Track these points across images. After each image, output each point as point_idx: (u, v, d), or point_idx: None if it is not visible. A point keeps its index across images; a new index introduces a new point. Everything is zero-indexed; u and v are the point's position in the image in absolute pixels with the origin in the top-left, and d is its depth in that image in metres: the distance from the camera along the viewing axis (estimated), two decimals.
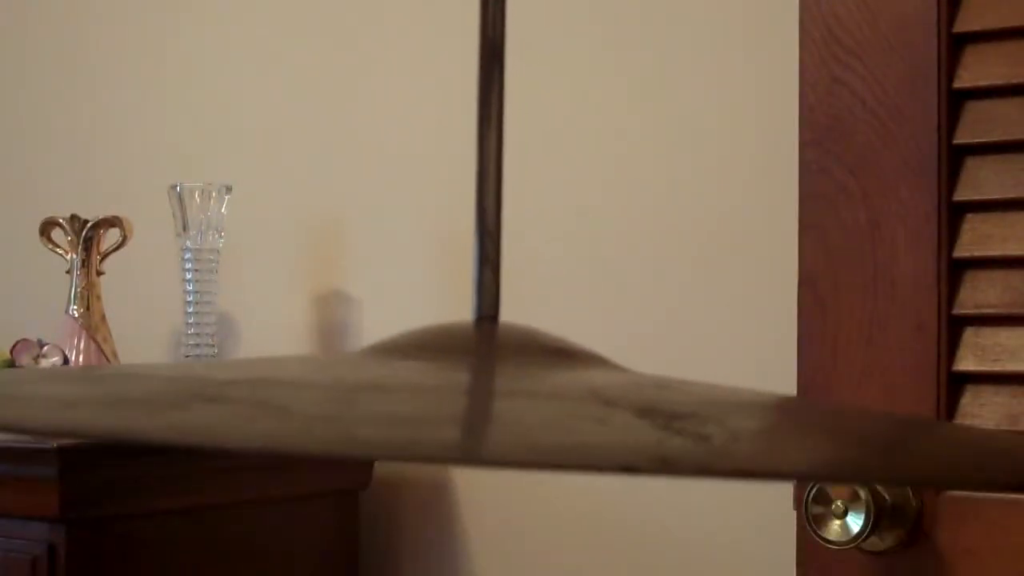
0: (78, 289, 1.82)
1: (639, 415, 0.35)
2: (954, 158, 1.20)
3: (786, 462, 0.34)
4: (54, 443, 1.52)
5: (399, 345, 0.43)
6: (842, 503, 1.17)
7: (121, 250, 1.83)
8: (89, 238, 1.82)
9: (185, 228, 1.77)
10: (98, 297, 1.83)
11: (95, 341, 1.80)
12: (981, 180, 1.18)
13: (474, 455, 0.32)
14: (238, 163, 1.94)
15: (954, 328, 1.19)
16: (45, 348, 1.64)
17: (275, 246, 1.91)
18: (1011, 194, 1.17)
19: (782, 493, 1.24)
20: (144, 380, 0.39)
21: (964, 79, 1.19)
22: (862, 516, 1.16)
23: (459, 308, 1.77)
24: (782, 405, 0.44)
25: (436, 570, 1.73)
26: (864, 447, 0.37)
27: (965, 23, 1.19)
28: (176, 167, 1.96)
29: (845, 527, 1.17)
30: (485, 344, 0.44)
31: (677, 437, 0.34)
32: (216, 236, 1.78)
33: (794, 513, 1.21)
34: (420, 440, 0.32)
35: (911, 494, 1.18)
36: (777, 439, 0.37)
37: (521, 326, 0.45)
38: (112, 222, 1.83)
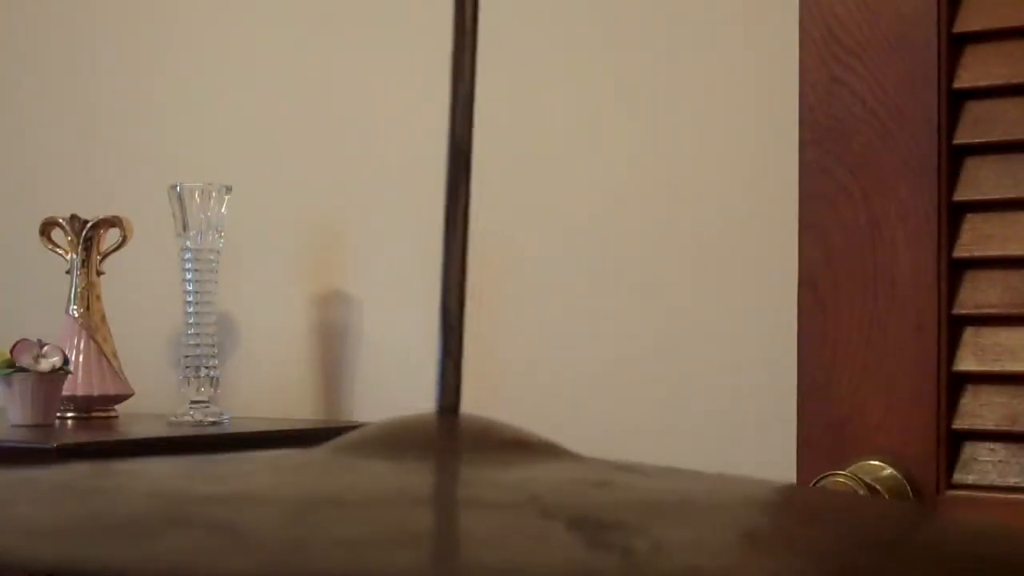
0: (78, 289, 1.82)
1: (570, 527, 0.35)
2: (954, 158, 1.20)
3: None
4: (53, 443, 1.52)
5: (363, 442, 0.44)
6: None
7: (121, 250, 1.83)
8: (89, 238, 1.82)
9: (185, 228, 1.77)
10: (98, 297, 1.83)
11: (95, 341, 1.80)
12: (981, 180, 1.18)
13: None
14: (238, 163, 1.94)
15: (954, 328, 1.19)
16: (45, 348, 1.64)
17: (275, 246, 1.91)
18: (1011, 194, 1.17)
19: None
20: (127, 497, 0.39)
21: (964, 79, 1.19)
22: None
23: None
24: (747, 502, 0.42)
25: None
26: (823, 560, 0.36)
27: (965, 23, 1.19)
28: (176, 167, 1.96)
29: None
30: (444, 440, 0.45)
31: (601, 552, 0.33)
32: (216, 236, 1.78)
33: None
34: (371, 567, 0.32)
35: (911, 494, 1.18)
36: (713, 550, 0.35)
37: (479, 419, 0.46)
38: (112, 222, 1.83)
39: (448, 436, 0.45)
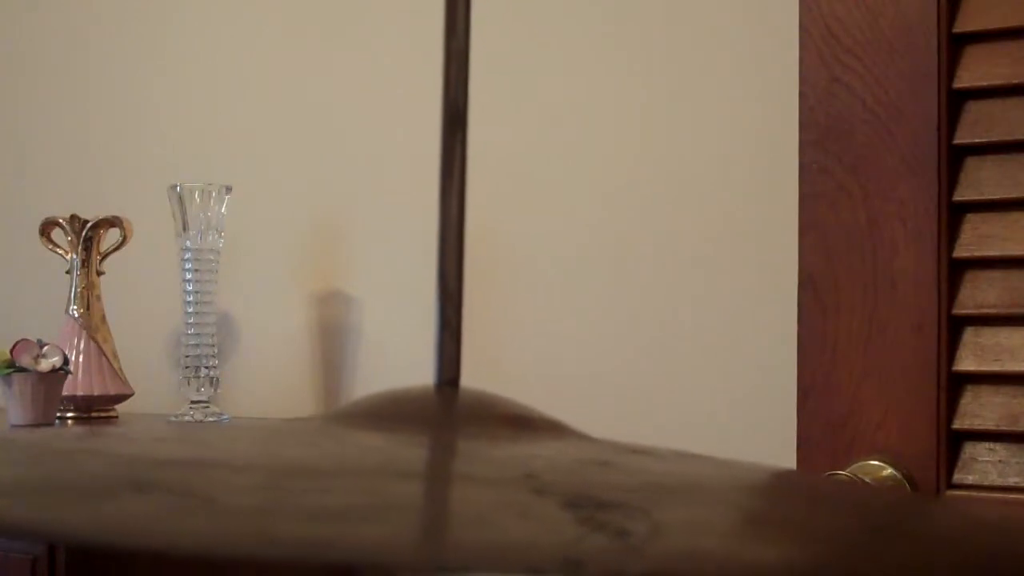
0: (78, 289, 1.82)
1: (565, 506, 0.34)
2: (954, 158, 1.20)
3: (713, 561, 0.32)
4: None
5: (359, 412, 0.43)
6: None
7: (121, 250, 1.83)
8: (89, 238, 1.82)
9: (185, 228, 1.77)
10: (98, 297, 1.83)
11: (95, 341, 1.80)
12: (981, 180, 1.18)
13: (392, 557, 0.30)
14: (238, 163, 1.94)
15: (954, 328, 1.19)
16: (45, 348, 1.64)
17: (275, 246, 1.91)
18: (1011, 194, 1.17)
19: None
20: (89, 459, 0.38)
21: (964, 79, 1.19)
22: None
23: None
24: (752, 487, 0.41)
25: None
26: (828, 545, 0.35)
27: (965, 23, 1.19)
28: (176, 167, 1.96)
29: None
30: (442, 414, 0.43)
31: (597, 533, 0.32)
32: (216, 236, 1.78)
33: None
34: (337, 540, 0.31)
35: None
36: (715, 533, 0.34)
37: (480, 393, 0.44)
38: (112, 222, 1.83)
39: (446, 409, 0.44)
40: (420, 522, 0.33)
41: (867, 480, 1.17)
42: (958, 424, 1.18)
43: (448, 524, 0.33)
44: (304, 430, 0.42)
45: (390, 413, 0.43)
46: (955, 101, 1.20)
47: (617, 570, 0.30)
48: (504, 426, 0.43)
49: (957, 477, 1.18)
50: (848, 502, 0.41)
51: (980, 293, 1.18)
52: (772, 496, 0.41)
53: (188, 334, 1.79)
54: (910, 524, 0.39)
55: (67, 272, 1.83)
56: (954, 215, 1.19)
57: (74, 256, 1.82)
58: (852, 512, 0.39)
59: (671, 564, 0.31)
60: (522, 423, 0.43)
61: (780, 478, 0.44)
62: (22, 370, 1.61)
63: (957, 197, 1.19)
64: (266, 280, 1.92)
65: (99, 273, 1.83)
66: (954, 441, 1.18)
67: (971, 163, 1.19)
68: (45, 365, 1.62)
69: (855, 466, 1.20)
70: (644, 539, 0.32)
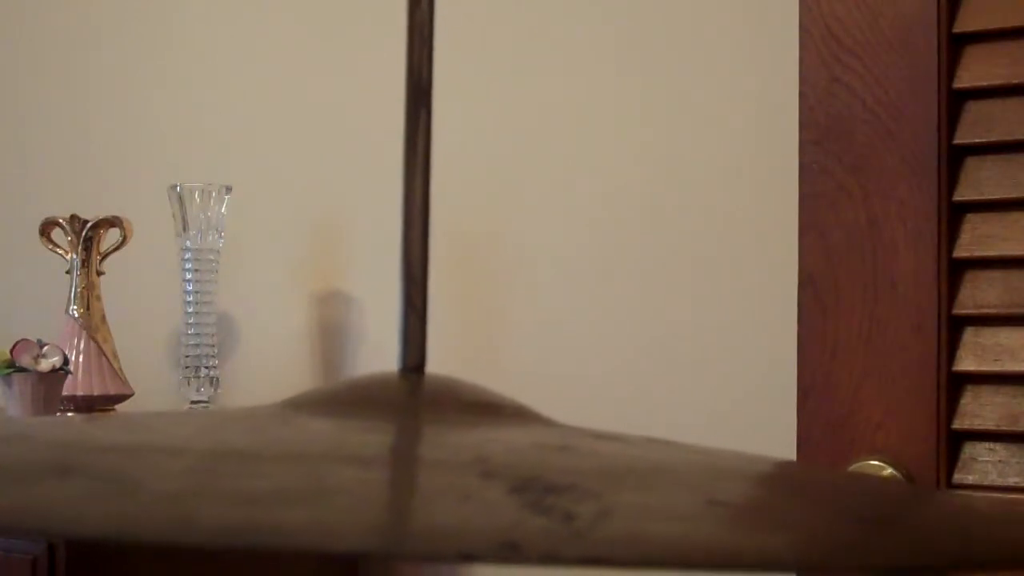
0: (78, 289, 1.82)
1: (512, 490, 0.32)
2: (954, 158, 1.20)
3: (657, 546, 0.30)
4: None
5: (319, 399, 0.42)
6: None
7: (121, 250, 1.83)
8: (89, 238, 1.82)
9: (185, 228, 1.77)
10: (98, 297, 1.83)
11: (95, 341, 1.80)
12: (981, 180, 1.18)
13: (315, 539, 0.29)
14: (238, 163, 1.94)
15: (954, 328, 1.19)
16: (45, 348, 1.64)
17: (275, 246, 1.91)
18: (1011, 194, 1.17)
19: None
20: (20, 444, 0.37)
21: (964, 79, 1.19)
22: None
23: (458, 309, 1.77)
24: (723, 473, 0.39)
25: None
26: (793, 533, 0.33)
27: (965, 23, 1.19)
28: (176, 167, 1.96)
29: None
30: (402, 399, 0.42)
31: (540, 517, 0.31)
32: (216, 236, 1.78)
33: None
34: (260, 525, 0.29)
35: None
36: (668, 518, 0.32)
37: (444, 378, 0.43)
38: (112, 222, 1.83)
39: (408, 395, 0.43)
40: (353, 506, 0.32)
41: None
42: (958, 424, 1.18)
43: (383, 508, 0.32)
44: (256, 415, 0.41)
45: (350, 399, 0.42)
46: (955, 101, 1.20)
47: (554, 553, 0.29)
48: (466, 412, 0.41)
49: (957, 477, 1.18)
50: (825, 490, 0.40)
51: (980, 293, 1.18)
52: (744, 483, 0.39)
53: (188, 334, 1.79)
54: (893, 514, 0.37)
55: (67, 272, 1.83)
56: (954, 215, 1.19)
57: (74, 256, 1.82)
58: (827, 500, 0.38)
59: (613, 549, 0.30)
60: (486, 409, 0.42)
61: (758, 465, 0.42)
62: (22, 370, 1.61)
63: (957, 197, 1.19)
64: (266, 280, 1.92)
65: (99, 273, 1.83)
66: (954, 441, 1.18)
67: (971, 163, 1.19)
68: (45, 365, 1.62)
69: (855, 466, 1.20)
70: (589, 523, 0.31)
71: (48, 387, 1.64)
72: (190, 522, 0.30)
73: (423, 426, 0.40)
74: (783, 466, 0.43)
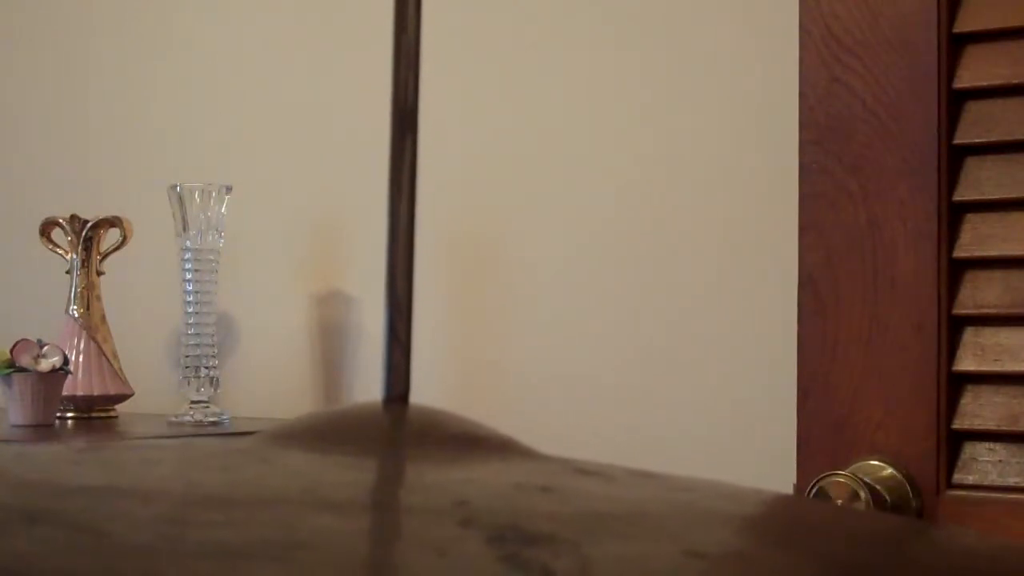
0: (78, 289, 1.82)
1: (490, 540, 0.32)
2: (954, 158, 1.19)
3: None
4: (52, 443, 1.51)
5: (300, 431, 0.41)
6: (842, 503, 1.17)
7: (121, 250, 1.83)
8: (89, 238, 1.82)
9: (185, 228, 1.77)
10: (98, 297, 1.83)
11: (95, 341, 1.80)
12: (981, 180, 1.18)
13: None
14: (238, 163, 1.94)
15: (954, 328, 1.19)
16: (45, 348, 1.64)
17: (275, 246, 1.91)
18: (1011, 194, 1.17)
19: (781, 489, 1.24)
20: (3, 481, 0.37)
21: (964, 79, 1.19)
22: None
23: (458, 309, 1.77)
24: (704, 515, 0.38)
25: None
26: None
27: (965, 23, 1.19)
28: (176, 167, 1.96)
29: None
30: (384, 433, 0.42)
31: (515, 571, 0.30)
32: (216, 236, 1.78)
33: None
34: None
35: (911, 494, 1.18)
36: (648, 572, 0.32)
37: (427, 410, 0.42)
38: (112, 222, 1.83)
39: (390, 428, 0.42)
40: (325, 562, 0.31)
41: (867, 480, 1.17)
42: (958, 424, 1.18)
43: (357, 566, 0.32)
44: (234, 451, 0.41)
45: (331, 431, 0.41)
46: (955, 101, 1.20)
47: None
48: (448, 446, 0.41)
49: (957, 477, 1.18)
50: (814, 537, 0.38)
51: (980, 293, 1.18)
52: (724, 529, 0.38)
53: (188, 334, 1.79)
54: (879, 564, 0.36)
55: (67, 272, 1.83)
56: (954, 215, 1.19)
57: (74, 256, 1.82)
58: (815, 550, 0.37)
59: None
60: (468, 442, 0.42)
61: (746, 505, 0.41)
62: (22, 370, 1.61)
63: (957, 197, 1.19)
64: (266, 280, 1.92)
65: (99, 273, 1.83)
66: (954, 441, 1.18)
67: (971, 163, 1.19)
68: (45, 365, 1.62)
69: (855, 466, 1.20)
70: None
71: (48, 387, 1.64)
72: None
73: (403, 463, 0.40)
74: (769, 505, 0.42)
